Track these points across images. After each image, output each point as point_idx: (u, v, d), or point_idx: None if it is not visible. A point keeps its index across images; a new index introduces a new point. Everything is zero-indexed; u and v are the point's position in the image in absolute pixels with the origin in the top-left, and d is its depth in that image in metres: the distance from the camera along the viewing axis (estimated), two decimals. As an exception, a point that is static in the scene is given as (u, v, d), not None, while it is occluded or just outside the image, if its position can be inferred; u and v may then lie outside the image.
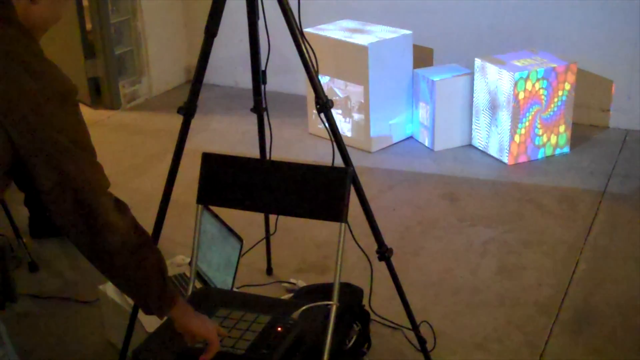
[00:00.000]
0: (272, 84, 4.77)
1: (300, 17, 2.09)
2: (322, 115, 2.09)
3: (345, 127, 4.20)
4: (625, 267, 3.00)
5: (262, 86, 2.42)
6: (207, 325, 1.70)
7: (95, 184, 1.50)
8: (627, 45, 4.12)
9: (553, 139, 3.98)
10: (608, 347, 2.53)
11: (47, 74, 1.44)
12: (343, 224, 1.92)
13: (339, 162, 2.14)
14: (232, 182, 2.06)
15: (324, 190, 1.96)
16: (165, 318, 1.69)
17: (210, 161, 2.08)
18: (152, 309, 1.64)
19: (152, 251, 1.60)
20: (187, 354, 1.73)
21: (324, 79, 4.18)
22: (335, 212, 1.93)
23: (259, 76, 2.39)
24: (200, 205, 2.10)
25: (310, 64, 2.07)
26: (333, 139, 2.09)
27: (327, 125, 2.08)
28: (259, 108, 2.47)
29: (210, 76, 5.32)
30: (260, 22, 2.29)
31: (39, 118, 1.41)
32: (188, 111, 2.14)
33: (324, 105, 2.07)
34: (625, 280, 2.90)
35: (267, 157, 2.59)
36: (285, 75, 4.62)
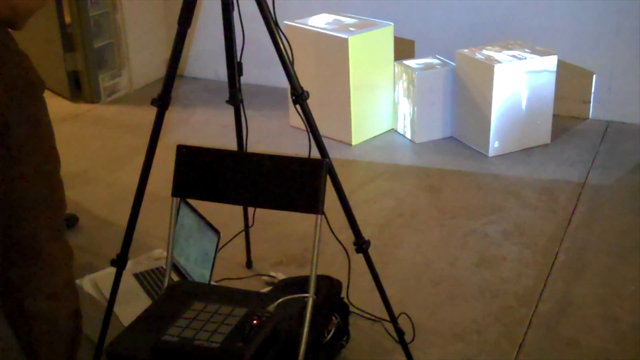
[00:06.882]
0: (255, 76, 4.81)
1: (275, 7, 2.07)
2: (298, 106, 2.07)
3: (327, 120, 4.19)
4: (605, 258, 3.00)
5: (238, 78, 2.39)
6: None
7: (43, 202, 1.32)
8: (607, 37, 4.13)
9: (534, 131, 3.99)
10: (586, 339, 2.54)
11: (11, 63, 1.40)
12: (319, 216, 1.91)
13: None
14: (207, 175, 2.04)
15: (300, 182, 1.95)
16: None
17: (185, 153, 2.06)
18: None
19: (75, 318, 1.49)
20: (162, 348, 1.72)
21: (309, 73, 4.16)
22: (311, 204, 1.92)
23: (234, 68, 2.37)
24: (176, 198, 2.09)
25: (285, 54, 2.05)
26: (309, 130, 2.08)
27: (302, 116, 2.07)
28: (235, 100, 2.44)
29: (191, 69, 5.32)
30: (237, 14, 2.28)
31: None
32: (162, 103, 2.12)
33: (299, 96, 2.05)
34: (604, 272, 2.91)
35: (244, 149, 2.57)
36: (268, 68, 4.59)
